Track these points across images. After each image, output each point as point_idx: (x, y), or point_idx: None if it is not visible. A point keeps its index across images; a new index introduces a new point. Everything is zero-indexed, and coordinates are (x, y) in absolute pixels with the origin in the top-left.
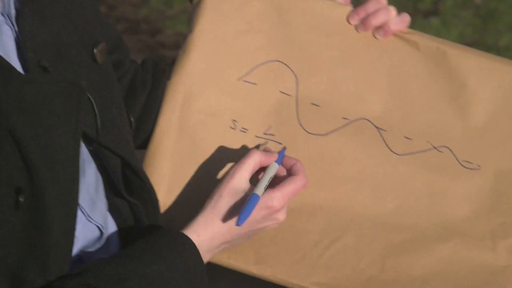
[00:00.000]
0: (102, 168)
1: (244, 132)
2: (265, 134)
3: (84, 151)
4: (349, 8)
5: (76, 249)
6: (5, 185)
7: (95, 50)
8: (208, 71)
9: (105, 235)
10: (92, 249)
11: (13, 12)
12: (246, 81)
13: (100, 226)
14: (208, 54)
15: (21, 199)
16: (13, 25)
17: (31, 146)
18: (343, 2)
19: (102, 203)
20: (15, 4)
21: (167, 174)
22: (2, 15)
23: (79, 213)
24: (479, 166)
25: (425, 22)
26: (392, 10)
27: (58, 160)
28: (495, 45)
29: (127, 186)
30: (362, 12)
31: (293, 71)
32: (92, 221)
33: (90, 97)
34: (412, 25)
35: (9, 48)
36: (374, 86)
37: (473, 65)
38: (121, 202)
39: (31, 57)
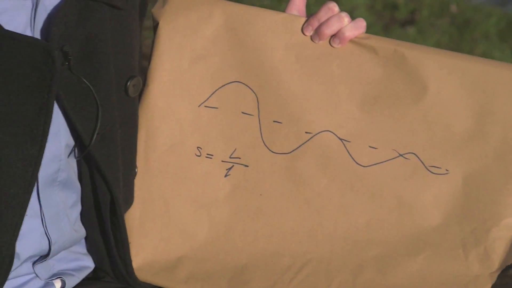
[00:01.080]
0: (95, 198)
1: (209, 158)
2: (231, 157)
3: (73, 170)
4: (303, 19)
5: (25, 255)
6: None
7: (129, 83)
8: (168, 102)
9: (52, 253)
10: (38, 263)
11: None
12: (207, 106)
13: (50, 241)
14: (167, 85)
15: None
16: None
17: None
18: (297, 14)
19: (70, 224)
20: None
21: (138, 208)
22: None
23: (37, 221)
24: (447, 170)
25: (402, 31)
26: (345, 17)
27: (21, 132)
28: (471, 54)
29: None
30: (315, 22)
31: (253, 90)
32: (47, 234)
33: (97, 97)
34: (389, 35)
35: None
36: (335, 96)
37: (433, 65)
38: (98, 234)
39: (54, 31)
